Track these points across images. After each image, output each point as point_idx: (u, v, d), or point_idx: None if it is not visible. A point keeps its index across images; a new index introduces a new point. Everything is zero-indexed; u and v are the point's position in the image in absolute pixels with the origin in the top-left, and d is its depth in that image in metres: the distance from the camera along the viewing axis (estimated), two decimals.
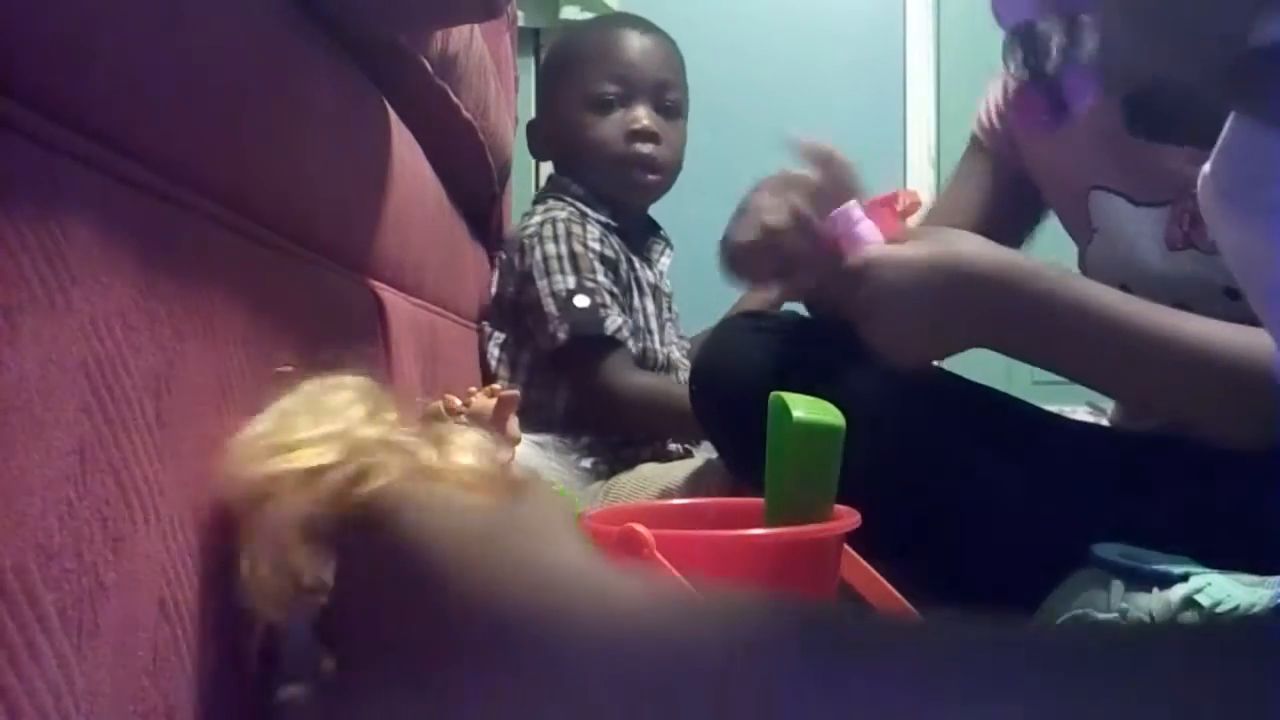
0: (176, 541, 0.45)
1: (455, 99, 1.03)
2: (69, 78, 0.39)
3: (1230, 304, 0.81)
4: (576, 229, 1.44)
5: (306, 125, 0.66)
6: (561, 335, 1.38)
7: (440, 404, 0.93)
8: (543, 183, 1.69)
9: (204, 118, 0.51)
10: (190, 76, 0.48)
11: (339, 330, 0.72)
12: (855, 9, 3.12)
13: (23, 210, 0.35)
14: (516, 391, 0.91)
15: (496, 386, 0.92)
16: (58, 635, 0.36)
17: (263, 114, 0.59)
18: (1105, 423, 1.09)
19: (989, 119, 1.07)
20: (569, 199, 1.51)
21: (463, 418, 0.91)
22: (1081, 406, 1.16)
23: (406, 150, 0.95)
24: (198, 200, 0.50)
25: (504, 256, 1.49)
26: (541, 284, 1.41)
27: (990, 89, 1.07)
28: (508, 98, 1.43)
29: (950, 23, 3.09)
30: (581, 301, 1.38)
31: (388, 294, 0.87)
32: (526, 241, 1.45)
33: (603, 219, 1.50)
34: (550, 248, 1.43)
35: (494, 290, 1.48)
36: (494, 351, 1.45)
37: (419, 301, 1.03)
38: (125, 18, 0.42)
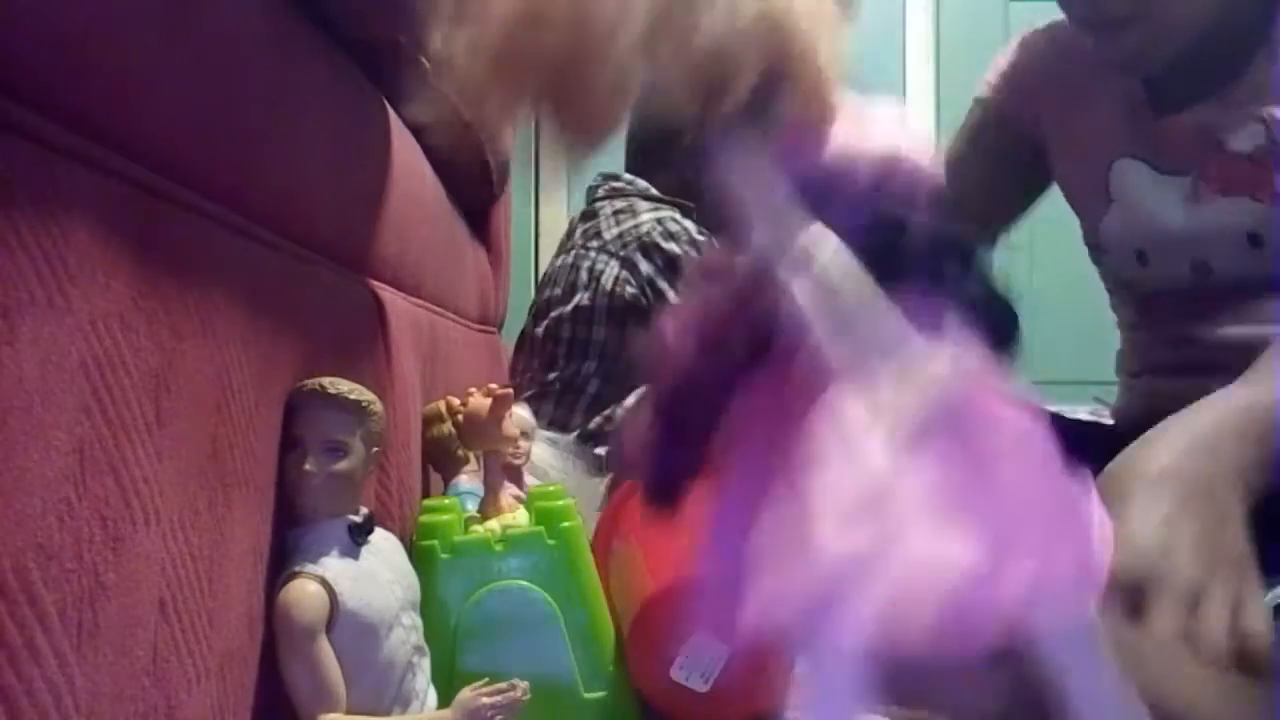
0: (176, 541, 0.45)
1: (455, 99, 1.03)
2: (69, 78, 0.39)
3: (1251, 251, 0.83)
4: (690, 228, 1.51)
5: (306, 125, 0.66)
6: None
7: (441, 404, 0.94)
8: (544, 184, 1.70)
9: (203, 118, 0.51)
10: (190, 77, 0.48)
11: (339, 330, 0.72)
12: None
13: (23, 210, 0.35)
14: (510, 390, 0.91)
15: (493, 386, 0.92)
16: (58, 635, 0.36)
17: (262, 114, 0.59)
18: (1108, 421, 1.09)
19: (999, 80, 1.07)
20: (663, 202, 1.57)
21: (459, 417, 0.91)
22: (1083, 406, 1.16)
23: (406, 150, 0.95)
24: (198, 200, 0.50)
25: (608, 255, 1.51)
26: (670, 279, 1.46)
27: (1001, 56, 1.07)
28: None
29: (950, 23, 3.08)
30: None
31: (387, 294, 0.87)
32: (646, 240, 1.48)
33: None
34: (674, 246, 1.47)
35: (588, 299, 1.50)
36: (591, 365, 1.48)
37: (419, 301, 1.03)
38: (125, 18, 0.42)
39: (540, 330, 1.57)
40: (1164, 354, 0.96)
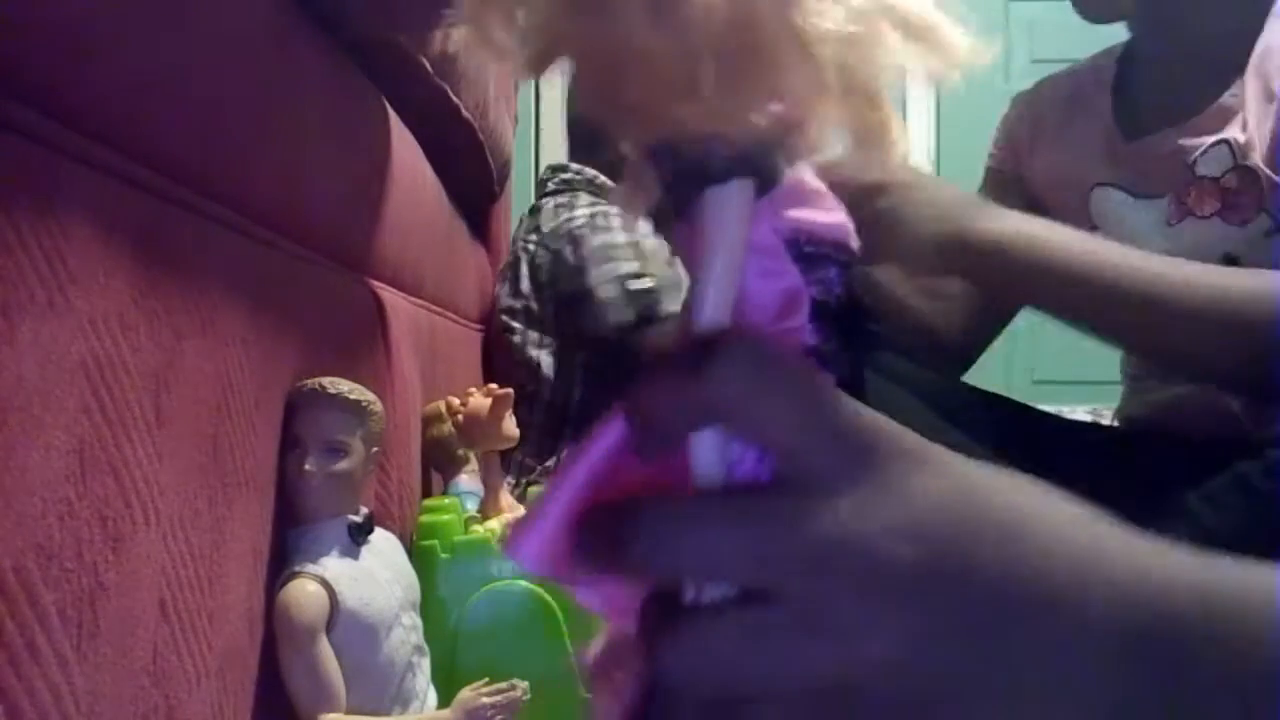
0: (176, 541, 0.45)
1: (455, 99, 1.03)
2: (69, 78, 0.39)
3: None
4: (630, 221, 1.44)
5: (306, 125, 0.66)
6: (627, 316, 1.38)
7: (441, 404, 0.94)
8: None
9: (204, 118, 0.51)
10: (190, 77, 0.48)
11: (339, 330, 0.72)
12: None
13: (23, 210, 0.35)
14: (510, 391, 0.92)
15: (493, 386, 0.92)
16: (58, 635, 0.36)
17: (262, 114, 0.59)
18: (1105, 422, 1.10)
19: (996, 147, 1.10)
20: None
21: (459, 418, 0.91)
22: (1081, 407, 1.16)
23: (406, 150, 0.95)
24: (198, 200, 0.50)
25: (532, 249, 1.48)
26: (598, 271, 1.40)
27: (1000, 126, 1.10)
28: (507, 98, 1.43)
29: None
30: (644, 283, 1.39)
31: (388, 294, 0.87)
32: (578, 233, 1.44)
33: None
34: (607, 237, 1.42)
35: (526, 288, 1.47)
36: (544, 359, 1.45)
37: (419, 301, 1.03)
38: (125, 18, 0.42)
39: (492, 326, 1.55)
40: None
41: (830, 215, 0.31)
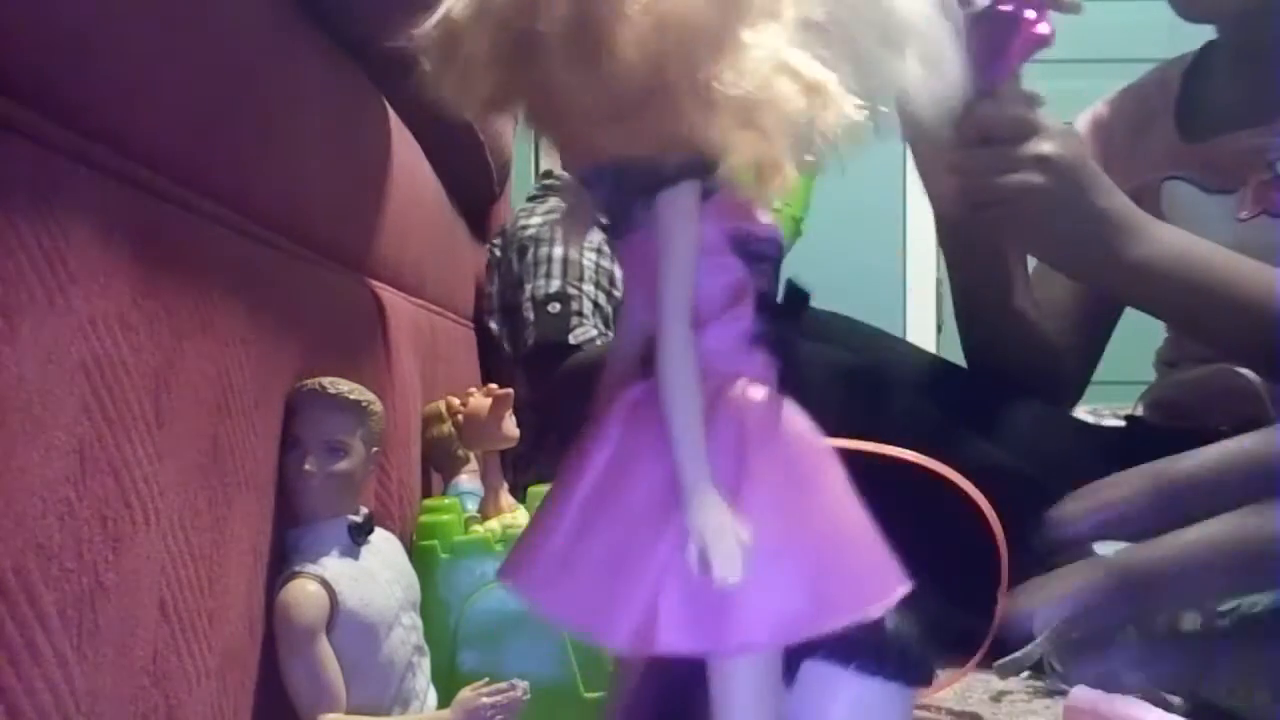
0: (176, 541, 0.45)
1: None
2: (69, 78, 0.39)
3: None
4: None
5: (306, 125, 0.66)
6: (529, 341, 1.35)
7: (441, 404, 0.94)
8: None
9: (204, 118, 0.51)
10: (190, 77, 0.48)
11: (339, 330, 0.72)
12: None
13: (23, 210, 0.35)
14: (510, 391, 0.91)
15: (493, 386, 0.92)
16: (58, 635, 0.36)
17: (263, 114, 0.59)
18: (1107, 422, 1.10)
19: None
20: None
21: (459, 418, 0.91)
22: (1081, 406, 1.16)
23: (406, 150, 0.95)
24: (198, 200, 0.50)
25: (498, 254, 1.47)
26: (526, 286, 1.39)
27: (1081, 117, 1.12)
28: None
29: None
30: (554, 308, 1.36)
31: (388, 294, 0.87)
32: (525, 243, 1.43)
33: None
34: (545, 250, 1.40)
35: (495, 289, 1.47)
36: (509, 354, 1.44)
37: (419, 301, 1.03)
38: (125, 18, 0.42)
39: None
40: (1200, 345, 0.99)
41: (762, 219, 0.35)
